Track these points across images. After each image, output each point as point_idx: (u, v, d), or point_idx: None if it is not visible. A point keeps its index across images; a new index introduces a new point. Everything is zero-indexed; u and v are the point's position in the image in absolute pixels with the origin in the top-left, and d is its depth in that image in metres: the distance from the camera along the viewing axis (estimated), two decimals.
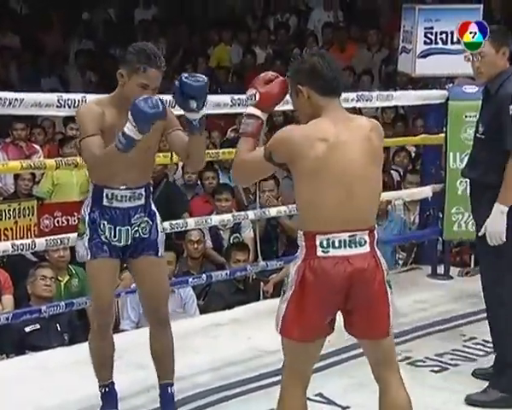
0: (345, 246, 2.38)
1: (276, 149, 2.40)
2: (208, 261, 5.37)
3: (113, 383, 3.10)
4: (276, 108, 2.59)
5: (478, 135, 3.31)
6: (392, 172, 6.27)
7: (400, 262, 5.47)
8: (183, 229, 4.19)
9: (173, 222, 3.98)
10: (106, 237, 2.91)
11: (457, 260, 5.33)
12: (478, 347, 3.89)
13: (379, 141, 2.46)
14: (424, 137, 5.06)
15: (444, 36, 4.88)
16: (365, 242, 2.40)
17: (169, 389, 3.07)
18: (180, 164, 6.30)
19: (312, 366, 2.53)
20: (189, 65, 8.75)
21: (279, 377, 3.37)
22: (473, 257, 5.30)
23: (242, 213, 4.32)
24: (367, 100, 4.51)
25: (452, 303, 4.50)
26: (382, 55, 8.16)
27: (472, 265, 5.27)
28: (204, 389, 3.38)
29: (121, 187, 2.88)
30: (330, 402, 3.29)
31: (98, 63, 9.09)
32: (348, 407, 3.26)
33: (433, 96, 4.79)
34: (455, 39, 4.84)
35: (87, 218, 2.92)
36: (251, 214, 4.29)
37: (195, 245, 5.16)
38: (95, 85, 8.51)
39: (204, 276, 4.11)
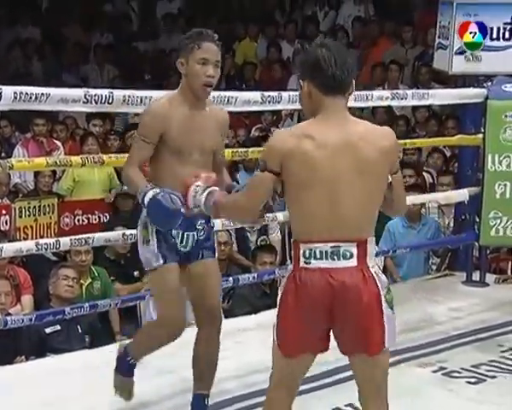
0: (326, 258, 2.24)
1: (269, 154, 2.30)
2: (233, 264, 5.26)
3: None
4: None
5: None
6: (424, 174, 6.10)
7: (433, 268, 5.32)
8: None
9: None
10: (174, 243, 2.83)
11: (494, 267, 5.17)
12: None
13: (374, 151, 2.25)
14: (460, 137, 4.89)
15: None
16: (351, 255, 2.24)
17: (206, 400, 2.98)
18: None
19: (299, 380, 2.43)
20: None
21: (306, 386, 3.27)
22: (510, 264, 5.15)
23: (271, 214, 4.16)
24: (402, 98, 4.35)
25: (489, 312, 4.39)
26: (416, 51, 7.99)
27: (509, 272, 5.13)
28: (230, 397, 3.30)
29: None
30: None
31: (119, 57, 9.01)
32: None
33: (472, 94, 4.60)
34: (494, 35, 4.70)
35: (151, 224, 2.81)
36: (279, 216, 4.15)
37: (222, 247, 5.06)
38: (114, 80, 8.44)
39: (231, 279, 3.99)
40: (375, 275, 2.26)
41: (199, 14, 9.53)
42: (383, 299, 2.26)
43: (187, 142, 2.72)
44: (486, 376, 3.57)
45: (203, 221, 2.87)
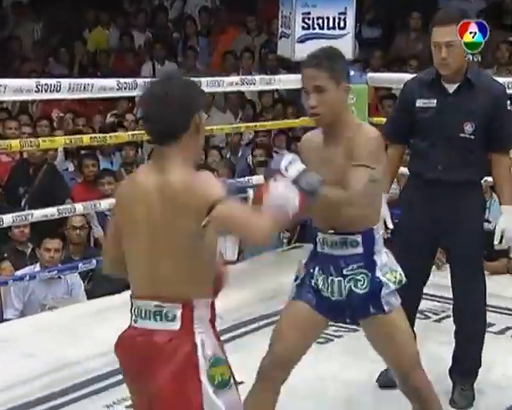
0: (149, 318, 1.99)
1: None
2: (99, 248, 5.30)
3: None
4: None
5: (463, 135, 3.04)
6: (274, 154, 6.44)
7: (285, 241, 5.62)
8: (72, 214, 4.15)
9: (61, 207, 3.94)
10: (317, 286, 2.55)
11: None
12: None
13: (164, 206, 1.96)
14: (304, 119, 5.20)
15: (320, 21, 5.03)
16: (174, 317, 1.97)
17: None
18: (60, 149, 6.20)
19: None
20: (65, 48, 8.61)
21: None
22: None
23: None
24: (251, 83, 4.59)
25: None
26: (261, 39, 8.31)
27: None
28: (97, 374, 3.40)
29: (329, 231, 2.51)
30: None
31: None
32: (243, 382, 3.37)
33: None
34: (331, 24, 5.07)
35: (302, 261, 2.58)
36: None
37: (78, 231, 5.07)
38: None
39: (94, 261, 4.08)
40: (198, 343, 1.98)
41: (49, 2, 9.39)
42: (203, 373, 1.96)
43: None
44: (334, 336, 3.83)
45: (355, 267, 2.52)
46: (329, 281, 2.54)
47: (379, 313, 2.53)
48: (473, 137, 3.04)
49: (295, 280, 2.64)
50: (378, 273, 2.53)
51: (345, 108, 2.51)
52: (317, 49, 2.52)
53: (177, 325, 1.97)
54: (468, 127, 3.03)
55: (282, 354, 2.53)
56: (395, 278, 2.55)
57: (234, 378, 2.03)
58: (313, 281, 2.57)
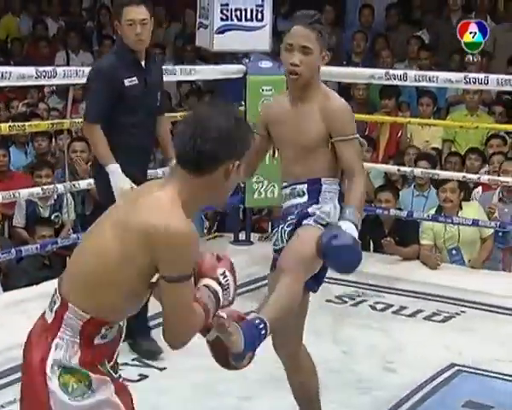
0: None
1: None
2: (17, 240, 5.20)
3: None
4: None
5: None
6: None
7: (205, 231, 5.66)
8: None
9: None
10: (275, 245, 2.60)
11: (257, 227, 5.61)
12: None
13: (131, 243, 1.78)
14: None
15: (238, 13, 5.08)
16: (52, 309, 1.87)
17: None
18: None
19: None
20: None
21: None
22: (270, 223, 5.63)
23: (51, 186, 4.23)
24: (171, 73, 4.61)
25: (254, 266, 4.74)
26: (174, 30, 8.27)
27: (270, 230, 5.60)
28: (18, 363, 3.37)
29: (284, 183, 2.58)
30: (147, 365, 3.46)
31: None
32: (165, 368, 3.45)
33: (233, 70, 4.97)
34: (249, 16, 5.14)
35: None
36: (60, 187, 4.22)
37: None
38: None
39: (13, 250, 4.02)
40: (53, 346, 1.84)
41: None
42: (51, 379, 1.82)
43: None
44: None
45: (296, 214, 2.53)
46: (275, 231, 2.60)
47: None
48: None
49: None
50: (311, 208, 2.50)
51: (317, 74, 2.53)
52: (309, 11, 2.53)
53: (50, 319, 1.87)
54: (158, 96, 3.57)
55: None
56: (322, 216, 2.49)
57: (107, 380, 1.86)
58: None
